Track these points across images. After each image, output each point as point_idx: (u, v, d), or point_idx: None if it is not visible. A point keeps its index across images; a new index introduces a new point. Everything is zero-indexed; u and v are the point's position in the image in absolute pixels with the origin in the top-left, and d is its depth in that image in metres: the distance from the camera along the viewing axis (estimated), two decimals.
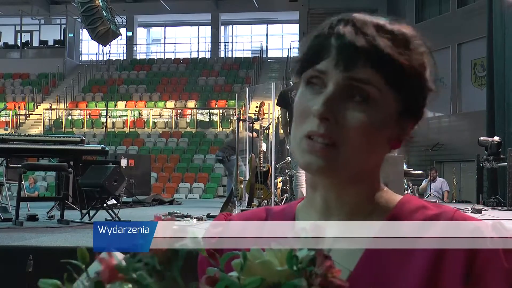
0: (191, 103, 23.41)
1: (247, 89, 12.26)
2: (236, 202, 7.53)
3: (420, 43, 0.83)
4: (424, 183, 14.09)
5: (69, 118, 23.17)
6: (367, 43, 0.78)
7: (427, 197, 12.96)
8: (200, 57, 28.66)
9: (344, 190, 0.85)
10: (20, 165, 6.52)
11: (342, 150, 0.79)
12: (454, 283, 0.76)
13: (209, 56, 28.44)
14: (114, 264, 0.55)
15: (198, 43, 29.92)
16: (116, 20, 13.63)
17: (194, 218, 5.92)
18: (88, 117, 22.93)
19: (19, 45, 28.31)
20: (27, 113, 23.94)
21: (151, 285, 0.53)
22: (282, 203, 7.81)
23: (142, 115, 23.08)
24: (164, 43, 30.78)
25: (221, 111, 22.24)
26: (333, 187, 0.85)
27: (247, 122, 8.40)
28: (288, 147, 8.22)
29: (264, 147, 8.21)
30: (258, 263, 0.54)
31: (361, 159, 0.81)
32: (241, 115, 8.41)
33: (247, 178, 7.78)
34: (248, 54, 28.05)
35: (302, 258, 0.54)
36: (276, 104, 7.04)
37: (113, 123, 22.26)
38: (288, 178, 8.77)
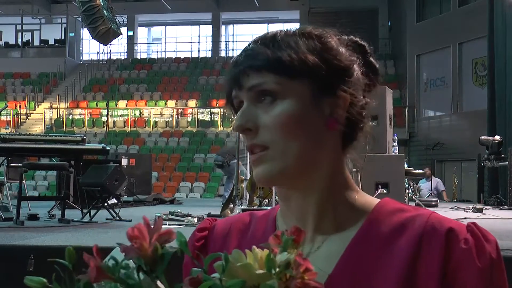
0: (192, 103, 23.43)
1: None
2: (237, 201, 7.53)
3: (312, 35, 0.87)
4: (421, 184, 14.05)
5: (70, 117, 23.18)
6: (251, 55, 0.86)
7: (427, 196, 12.93)
8: (201, 56, 28.68)
9: (309, 198, 0.87)
10: (21, 165, 6.52)
11: (275, 149, 0.83)
12: (430, 283, 0.77)
13: (210, 56, 28.46)
14: (101, 264, 0.56)
15: (199, 42, 29.95)
16: (117, 20, 13.63)
17: (194, 217, 5.92)
18: (89, 116, 22.94)
19: (20, 44, 28.33)
20: (28, 112, 23.96)
21: (137, 285, 0.54)
22: None
23: (143, 114, 23.09)
24: (165, 43, 30.80)
25: (222, 110, 22.24)
26: (297, 197, 0.87)
27: None
28: None
29: None
30: (238, 266, 0.55)
31: (300, 152, 0.83)
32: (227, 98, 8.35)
33: (248, 178, 7.77)
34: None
35: (280, 261, 0.55)
36: None
37: (114, 122, 22.28)
38: None
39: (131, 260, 0.57)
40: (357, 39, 0.92)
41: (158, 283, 0.56)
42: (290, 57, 0.83)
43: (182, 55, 28.80)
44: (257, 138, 0.84)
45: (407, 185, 9.21)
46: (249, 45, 0.89)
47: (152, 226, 0.59)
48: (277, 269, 0.55)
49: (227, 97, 0.90)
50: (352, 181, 0.90)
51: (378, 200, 0.89)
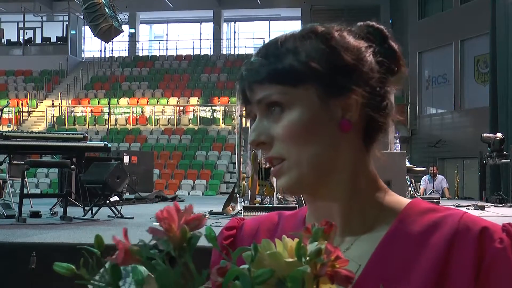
0: (194, 100, 23.42)
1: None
2: (238, 198, 7.53)
3: (314, 36, 0.85)
4: (423, 181, 14.06)
5: (72, 115, 23.20)
6: (253, 69, 0.85)
7: (429, 194, 12.94)
8: (202, 53, 28.67)
9: (334, 202, 0.86)
10: (23, 162, 6.53)
11: (291, 159, 0.82)
12: (463, 282, 0.75)
13: (212, 53, 28.45)
14: (129, 247, 0.55)
15: (200, 39, 29.92)
16: (118, 17, 13.62)
17: None
18: (90, 114, 22.95)
19: (22, 42, 28.34)
20: (29, 110, 23.98)
21: (165, 270, 0.54)
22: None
23: (144, 112, 23.10)
24: (167, 40, 30.78)
25: (223, 107, 22.24)
26: (322, 201, 0.87)
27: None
28: None
29: None
30: (267, 255, 0.54)
31: (315, 159, 0.82)
32: (244, 112, 8.36)
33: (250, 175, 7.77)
34: (250, 51, 28.00)
35: (310, 249, 0.54)
36: None
37: (116, 120, 22.29)
38: None
39: (157, 251, 0.56)
40: (373, 24, 0.89)
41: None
42: (290, 65, 0.82)
43: (183, 52, 28.79)
44: (272, 151, 0.83)
45: (408, 183, 9.21)
46: (251, 58, 0.88)
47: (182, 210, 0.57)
48: (307, 258, 0.54)
49: (245, 112, 0.90)
50: (380, 180, 0.88)
51: (408, 200, 0.88)
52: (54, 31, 28.40)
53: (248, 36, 29.39)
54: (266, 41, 0.91)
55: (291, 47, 0.84)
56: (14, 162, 7.66)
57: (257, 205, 7.07)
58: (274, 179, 7.61)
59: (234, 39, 30.01)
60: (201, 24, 30.13)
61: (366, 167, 0.87)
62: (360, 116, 0.83)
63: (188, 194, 17.33)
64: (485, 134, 10.98)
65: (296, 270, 0.53)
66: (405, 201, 0.87)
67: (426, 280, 0.76)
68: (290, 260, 0.54)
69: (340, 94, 0.82)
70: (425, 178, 14.06)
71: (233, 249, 0.91)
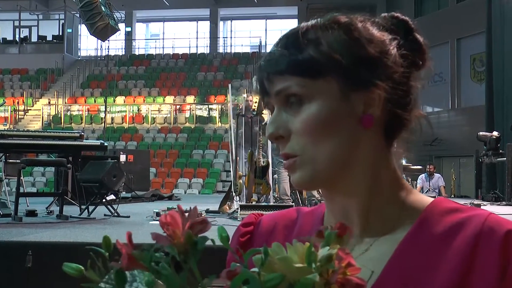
0: (190, 99, 23.41)
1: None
2: (235, 197, 7.52)
3: (336, 26, 0.82)
4: (419, 180, 14.08)
5: (68, 113, 23.16)
6: (273, 60, 0.82)
7: (425, 192, 12.96)
8: (199, 52, 28.65)
9: (352, 200, 0.83)
10: (19, 161, 6.52)
11: (305, 155, 0.79)
12: (487, 285, 0.72)
13: (208, 52, 28.44)
14: (133, 253, 0.54)
15: (197, 38, 29.90)
16: (114, 16, 13.59)
17: None
18: (87, 112, 22.92)
19: (18, 40, 28.26)
20: (25, 108, 23.93)
21: (170, 275, 0.53)
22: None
23: (141, 110, 23.08)
24: (163, 39, 30.75)
25: (220, 106, 22.24)
26: (340, 199, 0.84)
27: (247, 117, 8.37)
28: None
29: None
30: (278, 259, 0.53)
31: (332, 155, 0.79)
32: (238, 111, 8.35)
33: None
34: (247, 50, 28.02)
35: (321, 255, 0.53)
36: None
37: (112, 118, 22.27)
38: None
39: (162, 253, 0.55)
40: (398, 15, 0.86)
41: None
42: (311, 56, 0.79)
43: (180, 51, 28.77)
44: (287, 147, 0.80)
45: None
46: (272, 48, 0.85)
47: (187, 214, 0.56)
48: (318, 263, 0.53)
49: (263, 103, 0.87)
50: (402, 179, 0.85)
51: (431, 199, 0.84)
52: (50, 29, 28.35)
53: (245, 34, 29.38)
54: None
55: (312, 38, 0.80)
56: (10, 160, 7.65)
57: (253, 203, 7.06)
58: (270, 178, 7.61)
59: (231, 37, 29.98)
60: (197, 22, 30.11)
61: (387, 164, 0.83)
62: (382, 112, 0.80)
63: (185, 192, 17.33)
64: (481, 133, 11.01)
65: (306, 278, 0.52)
66: (428, 200, 0.84)
67: (447, 284, 0.74)
68: (301, 265, 0.53)
69: (363, 88, 0.79)
70: (421, 176, 14.09)
71: (250, 245, 0.91)
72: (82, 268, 0.55)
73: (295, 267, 0.53)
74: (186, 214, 0.57)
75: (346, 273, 0.54)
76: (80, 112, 23.07)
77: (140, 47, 30.35)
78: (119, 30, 13.70)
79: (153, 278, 0.54)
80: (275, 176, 8.19)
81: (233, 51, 28.41)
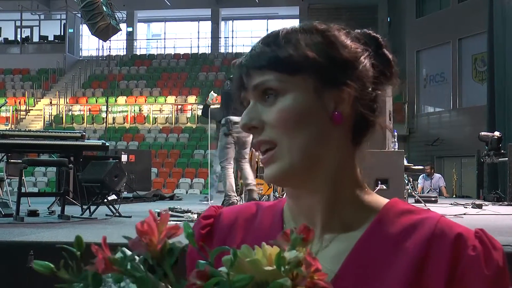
0: (192, 99, 23.41)
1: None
2: (237, 198, 7.51)
3: (314, 30, 0.87)
4: (420, 180, 14.06)
5: (70, 113, 23.18)
6: (254, 55, 0.88)
7: (427, 192, 12.95)
8: (200, 52, 28.65)
9: (316, 196, 0.86)
10: (21, 161, 6.51)
11: (282, 146, 0.84)
12: (437, 286, 0.77)
13: (210, 52, 28.44)
14: (108, 256, 0.55)
15: (198, 38, 29.89)
16: (116, 16, 13.59)
17: (194, 213, 5.92)
18: (88, 112, 22.93)
19: (19, 40, 28.29)
20: (27, 108, 23.95)
21: (144, 278, 0.54)
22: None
23: (142, 110, 23.09)
24: (164, 39, 30.76)
25: None
26: (305, 196, 0.87)
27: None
28: None
29: None
30: (247, 261, 0.55)
31: (304, 147, 0.83)
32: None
33: None
34: (248, 50, 27.92)
35: (290, 259, 0.55)
36: None
37: (114, 118, 22.28)
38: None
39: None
40: (370, 32, 0.92)
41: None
42: (289, 54, 0.84)
43: (181, 51, 28.77)
44: (262, 135, 0.85)
45: (406, 181, 9.22)
46: (254, 45, 0.90)
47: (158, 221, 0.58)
48: (287, 267, 0.55)
49: (240, 98, 0.91)
50: (361, 179, 0.89)
51: (386, 200, 0.89)
52: (51, 29, 28.37)
53: (246, 34, 29.36)
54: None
55: (292, 38, 0.86)
56: (11, 160, 7.65)
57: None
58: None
59: (232, 37, 29.98)
60: (199, 22, 30.10)
61: (352, 164, 0.88)
62: (351, 112, 0.85)
63: (186, 192, 17.33)
64: (482, 133, 10.99)
65: (276, 282, 0.54)
66: (384, 201, 0.88)
67: (400, 282, 0.78)
68: (270, 268, 0.55)
69: (335, 86, 0.84)
70: (422, 176, 14.07)
71: (210, 238, 0.94)
72: (52, 266, 0.56)
73: (264, 269, 0.55)
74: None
75: (314, 277, 0.56)
76: (82, 112, 23.07)
77: (141, 47, 30.36)
78: (121, 30, 13.69)
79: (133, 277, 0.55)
80: (221, 172, 7.80)
81: (234, 51, 28.40)
